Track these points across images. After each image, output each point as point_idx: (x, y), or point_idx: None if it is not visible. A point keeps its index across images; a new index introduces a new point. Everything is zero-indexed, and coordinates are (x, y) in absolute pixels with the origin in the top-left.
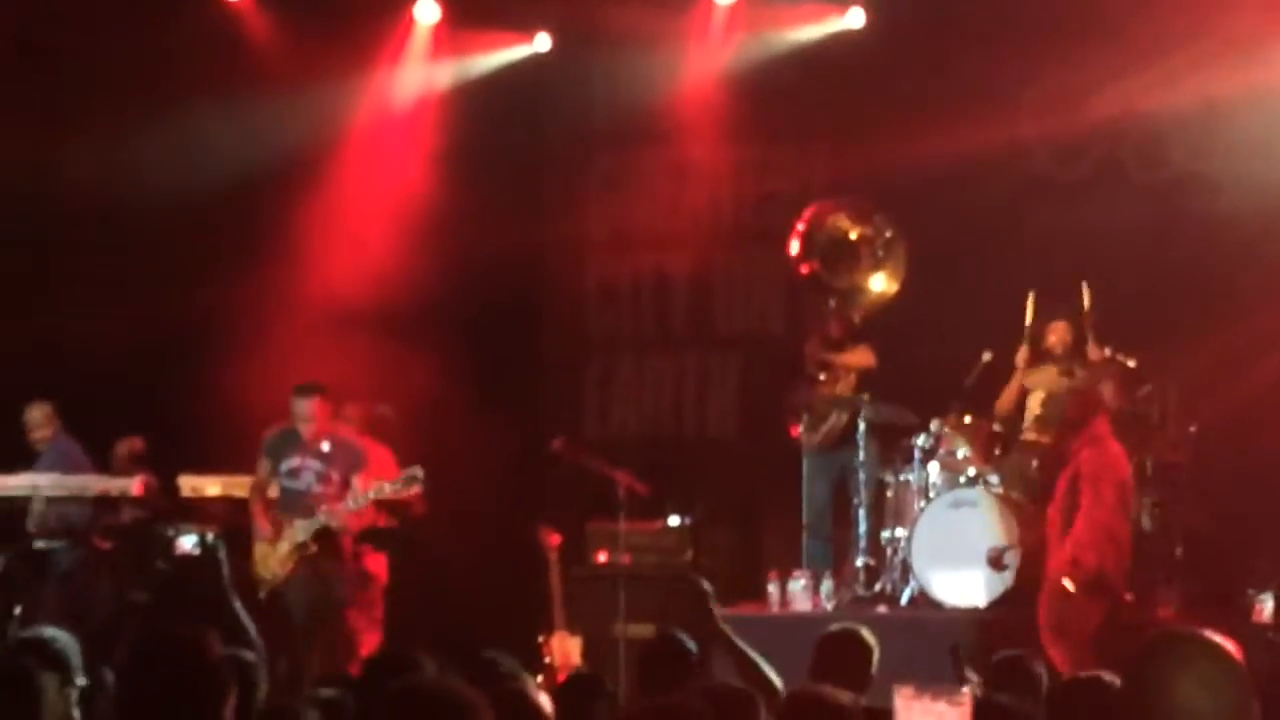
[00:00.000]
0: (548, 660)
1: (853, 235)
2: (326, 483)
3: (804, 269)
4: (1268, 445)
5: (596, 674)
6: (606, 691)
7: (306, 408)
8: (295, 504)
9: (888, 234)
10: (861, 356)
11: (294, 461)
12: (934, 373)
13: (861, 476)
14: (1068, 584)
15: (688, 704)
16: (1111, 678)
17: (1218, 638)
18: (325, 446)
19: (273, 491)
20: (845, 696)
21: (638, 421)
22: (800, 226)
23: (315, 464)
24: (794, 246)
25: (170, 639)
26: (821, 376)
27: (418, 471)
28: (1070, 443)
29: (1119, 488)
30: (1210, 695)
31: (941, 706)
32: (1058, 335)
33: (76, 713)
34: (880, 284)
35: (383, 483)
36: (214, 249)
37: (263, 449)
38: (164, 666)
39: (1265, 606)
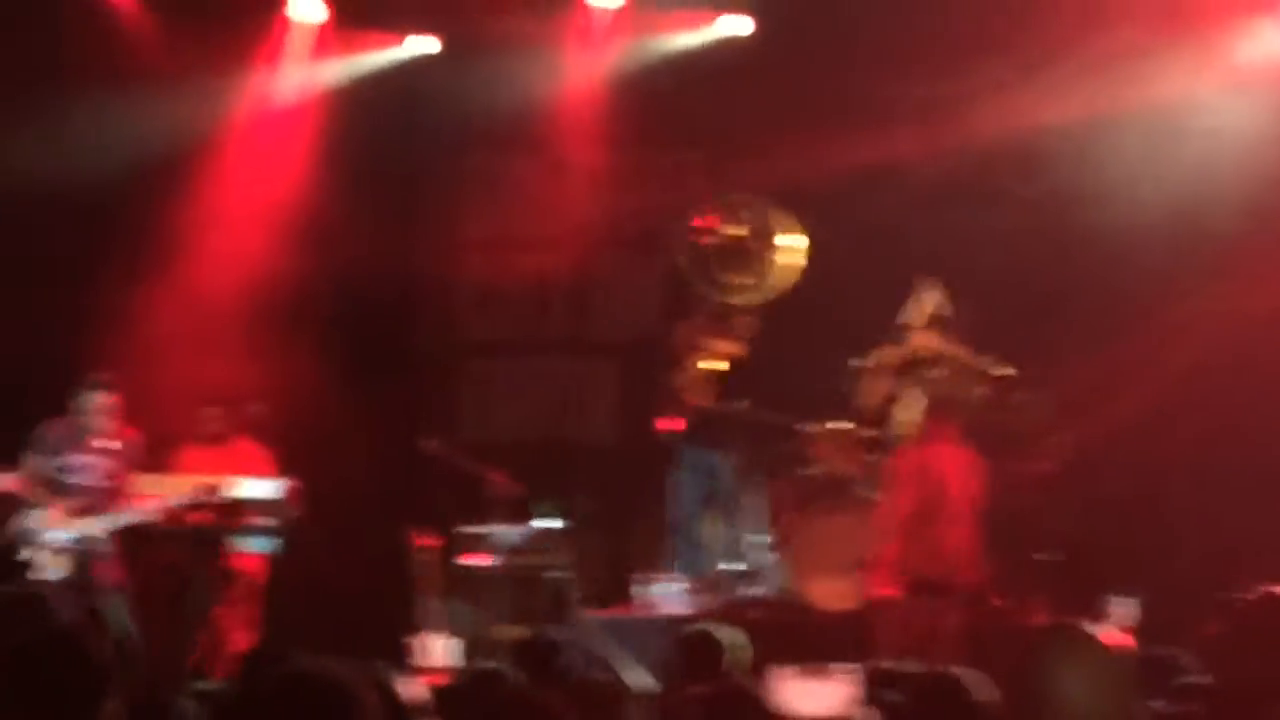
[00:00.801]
0: (415, 662)
1: (732, 234)
2: (114, 479)
3: (682, 260)
4: (1142, 453)
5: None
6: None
7: (96, 402)
8: (76, 497)
9: (762, 235)
10: (732, 345)
11: (77, 457)
12: (808, 378)
13: (731, 479)
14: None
15: (556, 701)
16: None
17: (1100, 632)
18: (115, 444)
19: None
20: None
21: (515, 425)
22: (683, 224)
23: (101, 460)
24: (675, 240)
25: (44, 634)
26: (690, 362)
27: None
28: (911, 446)
29: (960, 493)
30: (1092, 689)
31: (822, 686)
32: (930, 342)
33: None
34: (757, 279)
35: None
36: (87, 245)
37: (35, 443)
38: (38, 664)
39: (1124, 612)
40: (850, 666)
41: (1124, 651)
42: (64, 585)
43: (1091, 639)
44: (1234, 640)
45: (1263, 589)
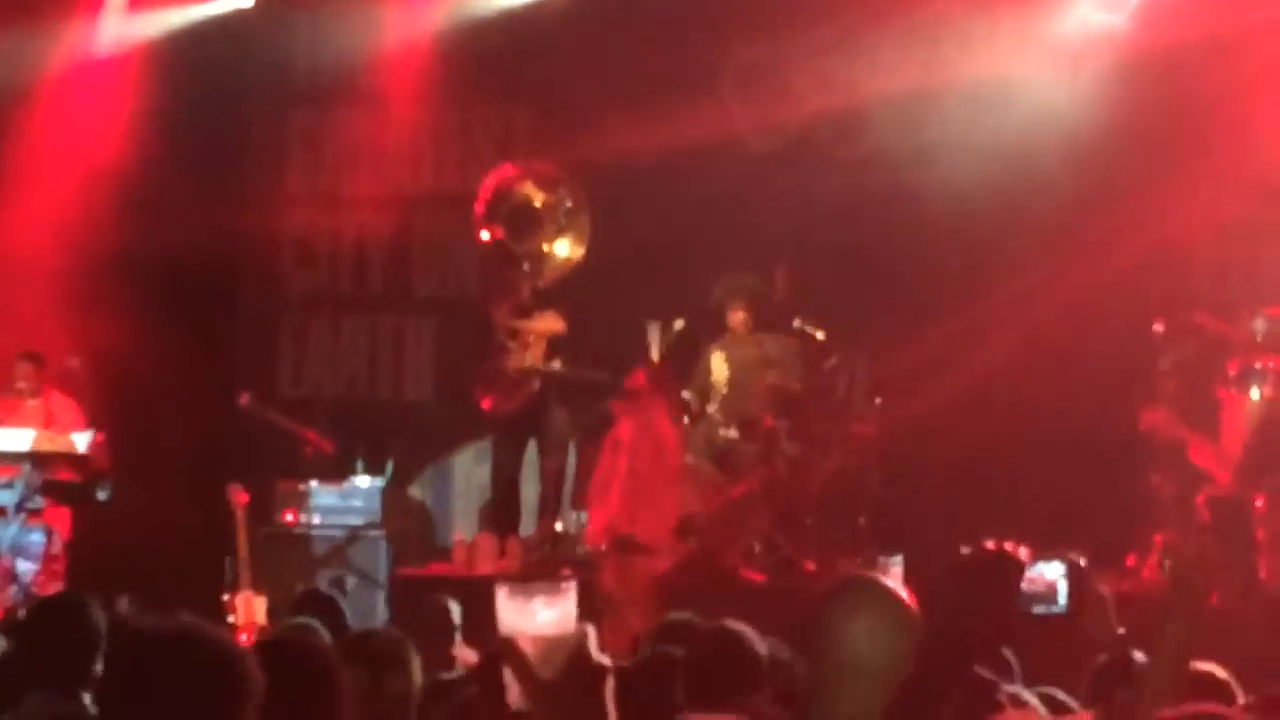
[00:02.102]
0: (232, 619)
1: (536, 202)
2: None
3: (487, 234)
4: (953, 417)
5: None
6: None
7: None
8: None
9: (569, 203)
10: (550, 322)
11: None
12: (626, 340)
13: (548, 440)
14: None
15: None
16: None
17: (890, 584)
18: None
19: None
20: None
21: (332, 382)
22: (485, 193)
23: None
24: (479, 211)
25: None
26: (510, 344)
27: None
28: (617, 408)
29: (657, 456)
30: (883, 637)
31: (540, 602)
32: (736, 317)
33: None
34: (564, 250)
35: None
36: None
37: None
38: None
39: (891, 569)
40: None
41: (909, 603)
42: None
43: (885, 589)
44: (940, 591)
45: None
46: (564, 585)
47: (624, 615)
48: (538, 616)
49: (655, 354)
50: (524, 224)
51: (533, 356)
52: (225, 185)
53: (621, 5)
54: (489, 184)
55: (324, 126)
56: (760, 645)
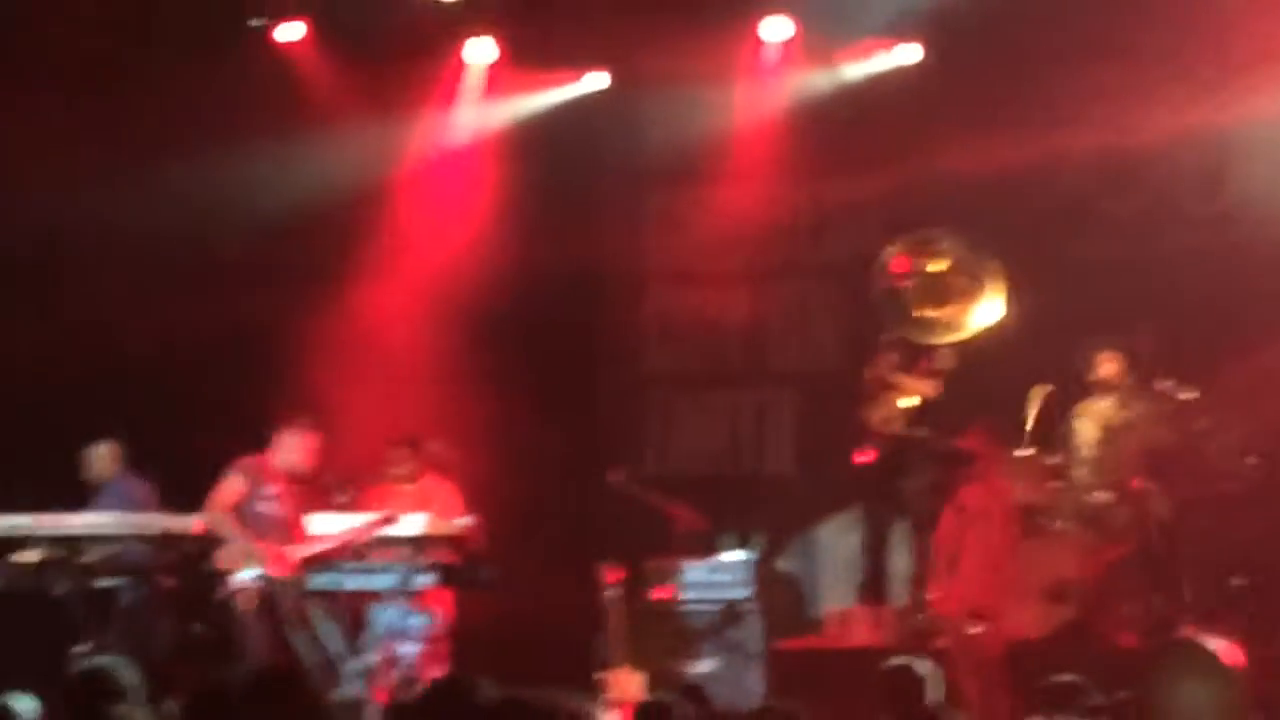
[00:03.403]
0: (608, 696)
1: (936, 269)
2: (298, 516)
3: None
4: None
5: (665, 702)
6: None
7: (300, 441)
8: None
9: (977, 271)
10: (928, 386)
11: (273, 493)
12: (987, 407)
13: (915, 509)
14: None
15: None
16: None
17: (1220, 647)
18: (302, 483)
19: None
20: None
21: (694, 457)
22: (903, 261)
23: (290, 498)
24: (896, 269)
25: (276, 674)
26: (880, 396)
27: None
28: (958, 477)
29: (1004, 521)
30: (1209, 705)
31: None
32: (1108, 367)
33: None
34: (977, 317)
35: None
36: (268, 287)
37: (240, 475)
38: (272, 702)
39: None
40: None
41: (1238, 668)
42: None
43: (1209, 654)
44: None
45: None
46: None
47: (967, 682)
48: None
49: (1030, 420)
50: (920, 295)
51: (896, 413)
52: (583, 265)
53: (968, 69)
54: (880, 259)
55: (678, 204)
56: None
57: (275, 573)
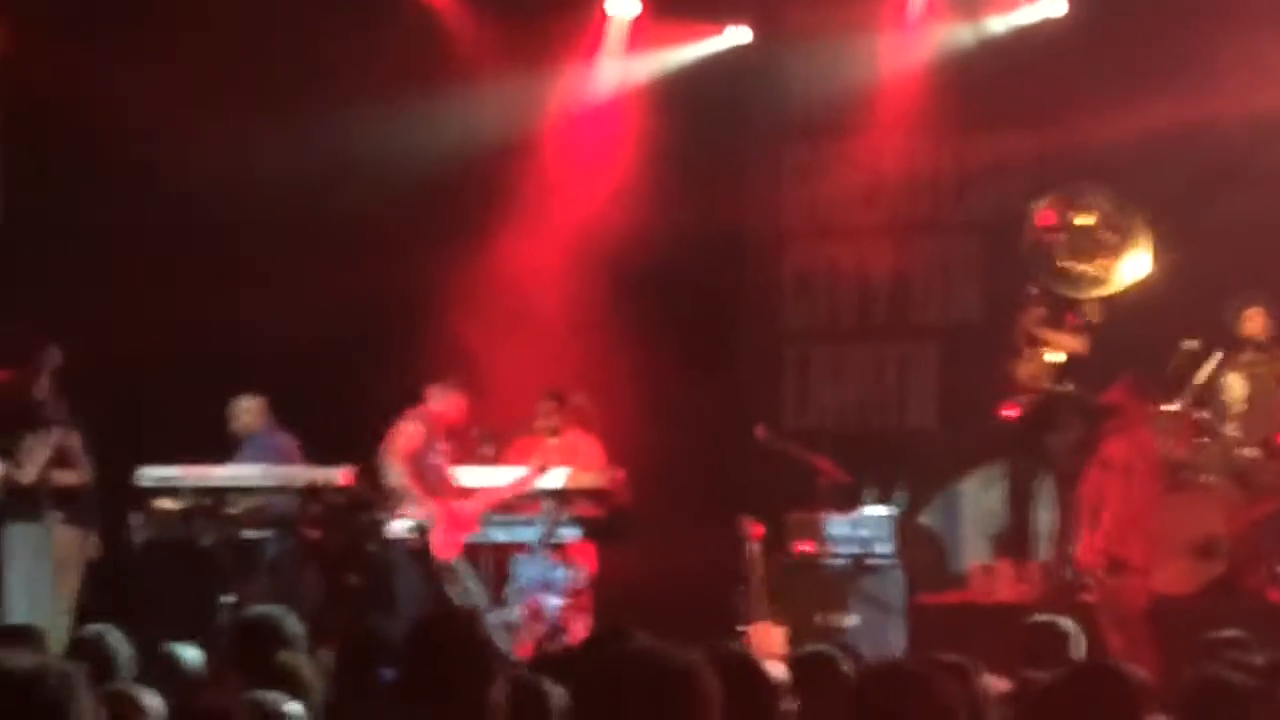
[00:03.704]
0: (750, 650)
1: (1084, 223)
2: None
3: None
4: None
5: (826, 653)
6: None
7: (450, 399)
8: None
9: (1115, 211)
10: (1076, 341)
11: (439, 451)
12: (1133, 359)
13: (1062, 464)
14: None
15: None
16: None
17: None
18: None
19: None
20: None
21: (835, 411)
22: (1052, 213)
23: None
24: (1046, 221)
25: (445, 619)
26: (1027, 350)
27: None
28: (1103, 431)
29: (1148, 475)
30: None
31: None
32: (1255, 322)
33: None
34: (1125, 272)
35: None
36: (411, 242)
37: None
38: (442, 647)
39: None
40: None
41: None
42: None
43: None
44: None
45: None
46: None
47: (1111, 637)
48: None
49: (1177, 375)
50: (1069, 249)
51: (1043, 366)
52: (725, 220)
53: (1112, 21)
54: (1029, 212)
55: (820, 158)
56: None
57: (451, 529)
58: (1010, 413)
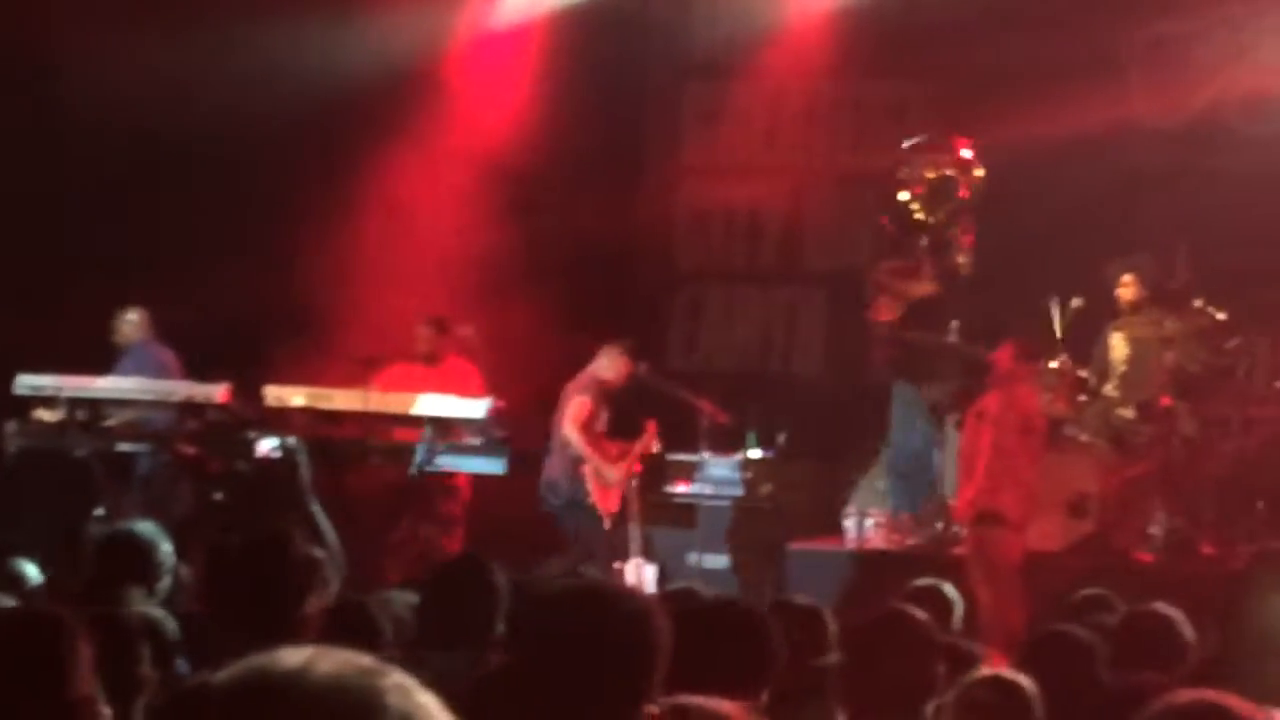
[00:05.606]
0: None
1: (948, 173)
2: None
3: (905, 195)
4: None
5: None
6: None
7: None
8: None
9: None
10: (925, 285)
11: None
12: (1019, 316)
13: (936, 415)
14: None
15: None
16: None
17: None
18: None
19: None
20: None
21: (724, 354)
22: (908, 158)
23: None
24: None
25: (256, 536)
26: (879, 299)
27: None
28: (982, 384)
29: (1018, 427)
30: None
31: None
32: (1126, 290)
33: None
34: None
35: None
36: (307, 160)
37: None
38: (250, 563)
39: None
40: None
41: None
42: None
43: None
44: None
45: None
46: None
47: (980, 590)
48: None
49: (1057, 331)
50: (939, 196)
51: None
52: (622, 158)
53: None
54: (916, 151)
55: (720, 100)
56: (1187, 629)
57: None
58: (877, 360)
